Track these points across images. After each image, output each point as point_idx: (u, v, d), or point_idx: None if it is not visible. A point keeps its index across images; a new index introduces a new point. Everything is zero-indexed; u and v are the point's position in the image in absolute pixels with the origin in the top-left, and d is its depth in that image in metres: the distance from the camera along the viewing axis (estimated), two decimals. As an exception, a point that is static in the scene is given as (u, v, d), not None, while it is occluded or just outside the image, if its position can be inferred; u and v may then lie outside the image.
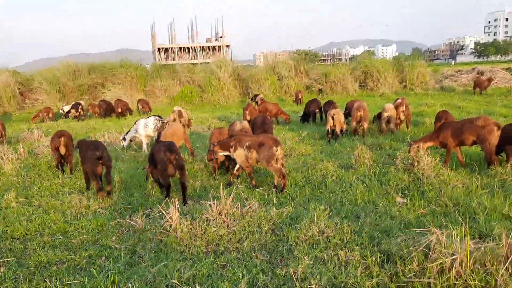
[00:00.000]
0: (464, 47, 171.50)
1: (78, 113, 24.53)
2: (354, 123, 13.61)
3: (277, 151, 8.10)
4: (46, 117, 24.32)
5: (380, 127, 14.11)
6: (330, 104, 16.95)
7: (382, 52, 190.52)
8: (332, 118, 13.36)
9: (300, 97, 27.29)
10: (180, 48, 73.65)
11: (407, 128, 14.30)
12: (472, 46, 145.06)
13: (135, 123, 13.69)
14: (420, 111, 17.77)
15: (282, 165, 8.26)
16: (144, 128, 13.06)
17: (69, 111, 24.95)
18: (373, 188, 7.85)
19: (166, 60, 72.53)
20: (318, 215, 6.12)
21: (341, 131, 13.96)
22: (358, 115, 13.49)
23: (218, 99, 29.72)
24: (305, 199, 7.64)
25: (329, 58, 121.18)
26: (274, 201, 7.50)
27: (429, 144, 9.39)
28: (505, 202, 6.63)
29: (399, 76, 32.19)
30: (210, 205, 6.40)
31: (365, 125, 13.50)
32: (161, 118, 13.41)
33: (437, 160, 8.56)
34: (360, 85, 32.26)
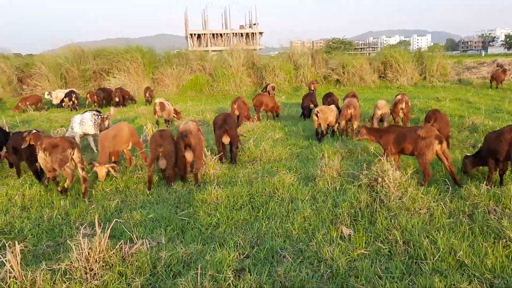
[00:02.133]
0: (495, 39, 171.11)
1: (71, 102, 23.10)
2: (343, 122, 12.15)
3: (72, 154, 7.89)
4: (27, 107, 22.76)
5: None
6: (308, 98, 15.50)
7: (417, 42, 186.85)
8: (316, 116, 11.98)
9: (313, 88, 25.69)
10: (213, 34, 73.12)
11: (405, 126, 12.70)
12: (503, 38, 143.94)
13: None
14: (428, 106, 16.04)
15: (82, 169, 8.01)
16: (80, 126, 11.62)
17: (62, 100, 23.73)
18: (322, 212, 6.44)
19: (198, 46, 72.21)
20: (218, 260, 4.89)
21: (332, 130, 12.58)
22: (348, 113, 12.03)
23: (229, 88, 28.43)
24: (229, 228, 6.26)
25: (365, 47, 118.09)
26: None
27: (372, 137, 8.56)
28: (463, 243, 5.19)
29: (419, 68, 30.18)
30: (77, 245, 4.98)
31: (355, 124, 12.04)
32: (100, 113, 11.91)
33: (407, 175, 7.11)
34: (380, 76, 30.44)
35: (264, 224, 6.21)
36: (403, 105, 12.55)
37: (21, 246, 5.39)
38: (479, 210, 6.07)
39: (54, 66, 30.07)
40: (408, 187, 6.79)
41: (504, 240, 5.15)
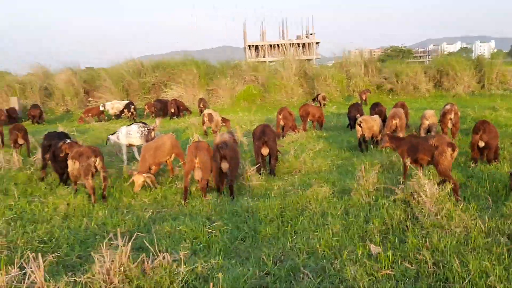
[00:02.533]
0: None
1: (130, 113, 24.09)
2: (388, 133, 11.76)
3: (95, 162, 8.35)
4: (90, 118, 24.03)
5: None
6: (355, 108, 15.11)
7: (479, 49, 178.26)
8: (360, 125, 11.68)
9: (364, 97, 25.20)
10: (270, 45, 74.02)
11: (453, 138, 12.09)
12: None
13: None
14: (482, 116, 15.21)
15: (104, 173, 8.60)
16: (127, 137, 11.86)
17: (122, 111, 24.69)
18: (352, 228, 6.21)
19: (256, 57, 73.13)
20: (236, 276, 4.79)
21: (375, 140, 12.22)
22: (393, 123, 11.66)
23: (280, 98, 28.36)
24: (255, 242, 6.15)
25: (425, 55, 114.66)
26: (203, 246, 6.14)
27: (393, 145, 8.63)
28: (497, 266, 4.78)
29: (477, 76, 28.85)
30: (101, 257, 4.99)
31: (401, 135, 11.60)
32: (146, 124, 12.18)
33: (446, 190, 6.72)
34: (435, 85, 29.40)
35: (290, 239, 6.05)
36: (452, 115, 12.00)
37: (50, 257, 5.53)
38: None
39: (116, 79, 31.26)
40: (446, 203, 6.41)
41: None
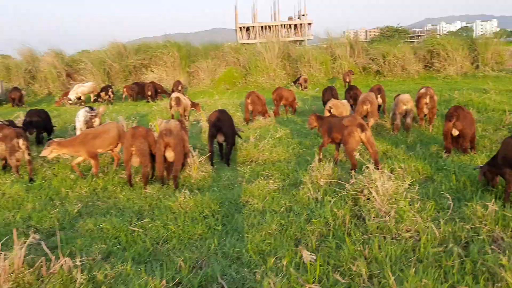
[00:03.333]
0: None
1: (108, 96, 23.50)
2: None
3: (19, 143, 8.50)
4: (67, 101, 23.29)
5: (393, 123, 11.38)
6: (328, 91, 14.31)
7: (481, 28, 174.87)
8: (329, 111, 10.87)
9: (348, 79, 24.33)
10: (261, 27, 72.98)
11: (430, 125, 11.29)
12: None
13: None
14: (469, 100, 14.36)
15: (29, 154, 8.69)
16: (77, 121, 11.13)
17: (99, 94, 23.92)
18: (289, 229, 5.44)
19: (248, 38, 71.91)
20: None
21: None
22: (364, 109, 10.84)
23: (262, 81, 27.43)
24: (181, 244, 5.41)
25: (422, 35, 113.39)
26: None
27: (317, 125, 8.93)
28: (439, 285, 4.02)
29: (470, 56, 27.95)
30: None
31: (371, 121, 10.81)
32: (93, 109, 11.33)
33: (404, 187, 5.93)
34: (426, 66, 28.53)
35: (216, 241, 5.28)
36: (428, 100, 11.16)
37: None
38: (480, 238, 4.83)
39: (98, 62, 30.58)
40: (400, 201, 5.63)
41: (499, 285, 3.96)
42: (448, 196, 5.76)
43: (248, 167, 8.68)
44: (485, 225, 5.03)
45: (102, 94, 23.69)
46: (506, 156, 5.84)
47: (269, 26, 72.93)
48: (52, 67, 30.07)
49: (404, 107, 11.34)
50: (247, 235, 5.36)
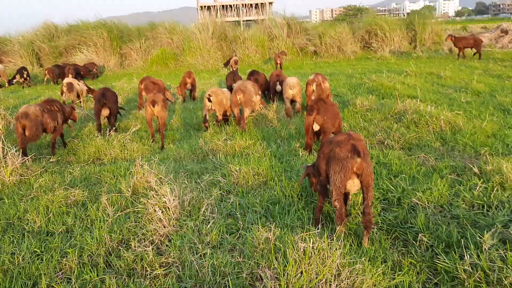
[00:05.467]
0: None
1: (23, 79, 22.24)
2: (235, 110, 10.20)
3: None
4: None
5: (286, 108, 10.77)
6: (230, 76, 13.65)
7: (443, 7, 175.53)
8: (209, 99, 10.07)
9: (279, 61, 23.50)
10: (223, 6, 71.76)
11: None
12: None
13: None
14: (378, 84, 13.69)
15: None
16: None
17: (14, 77, 22.62)
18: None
19: (209, 18, 70.45)
20: None
21: (226, 116, 10.71)
22: (237, 99, 10.03)
23: (195, 62, 26.43)
24: None
25: (385, 14, 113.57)
26: None
27: None
28: None
29: (408, 36, 27.51)
30: None
31: (246, 112, 10.00)
32: None
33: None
34: (365, 47, 28.01)
35: None
36: (314, 87, 10.50)
37: None
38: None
39: (27, 43, 28.98)
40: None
41: None
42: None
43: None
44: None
45: (17, 76, 22.43)
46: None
47: (230, 5, 71.96)
48: None
49: (291, 91, 10.74)
50: None
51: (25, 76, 22.40)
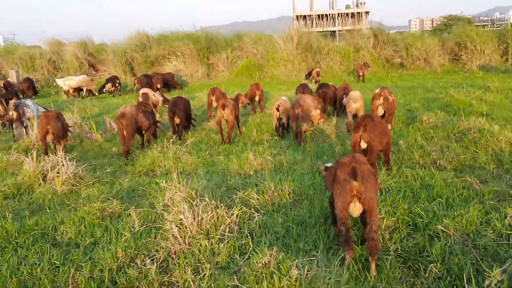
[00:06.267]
0: None
1: (114, 87, 23.68)
2: (294, 124, 10.31)
3: None
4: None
5: (347, 123, 10.70)
6: (300, 89, 13.70)
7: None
8: (277, 110, 10.45)
9: (361, 73, 23.14)
10: (318, 15, 72.08)
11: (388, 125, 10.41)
12: None
13: None
14: (454, 100, 12.99)
15: None
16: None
17: (103, 86, 24.19)
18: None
19: (304, 27, 70.96)
20: None
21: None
22: (296, 112, 10.13)
23: (279, 73, 26.58)
24: None
25: (488, 24, 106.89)
26: None
27: None
28: None
29: (499, 49, 25.74)
30: None
31: (304, 127, 10.05)
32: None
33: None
34: (454, 59, 26.66)
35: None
36: (381, 101, 10.28)
37: None
38: None
39: (120, 52, 30.51)
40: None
41: None
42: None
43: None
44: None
45: (108, 85, 23.81)
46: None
47: (326, 15, 71.89)
48: (74, 58, 30.37)
49: (354, 105, 10.63)
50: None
51: (116, 85, 23.85)
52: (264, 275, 3.94)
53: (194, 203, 5.29)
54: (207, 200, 5.42)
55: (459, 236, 4.78)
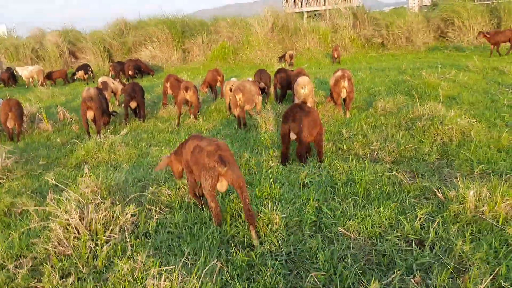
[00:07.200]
0: None
1: (86, 75, 23.49)
2: (237, 109, 9.52)
3: None
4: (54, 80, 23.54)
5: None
6: (258, 73, 12.85)
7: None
8: (230, 90, 10.00)
9: (336, 55, 22.29)
10: None
11: (347, 111, 9.79)
12: None
13: None
14: (423, 83, 12.03)
15: None
16: None
17: (74, 74, 23.91)
18: None
19: (294, 7, 69.45)
20: None
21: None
22: (238, 99, 9.31)
23: (254, 56, 25.72)
24: None
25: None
26: None
27: None
28: None
29: (490, 24, 24.76)
30: None
31: (248, 107, 9.24)
32: None
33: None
34: (441, 37, 25.67)
35: None
36: (346, 83, 9.55)
37: None
38: None
39: (97, 40, 30.20)
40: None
41: None
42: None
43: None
44: None
45: (80, 73, 23.62)
46: None
47: (316, -7, 70.30)
48: (55, 46, 30.20)
49: (302, 91, 9.78)
50: None
51: (89, 72, 23.64)
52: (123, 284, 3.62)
53: (84, 202, 4.89)
54: (100, 199, 5.02)
55: (361, 239, 4.05)
